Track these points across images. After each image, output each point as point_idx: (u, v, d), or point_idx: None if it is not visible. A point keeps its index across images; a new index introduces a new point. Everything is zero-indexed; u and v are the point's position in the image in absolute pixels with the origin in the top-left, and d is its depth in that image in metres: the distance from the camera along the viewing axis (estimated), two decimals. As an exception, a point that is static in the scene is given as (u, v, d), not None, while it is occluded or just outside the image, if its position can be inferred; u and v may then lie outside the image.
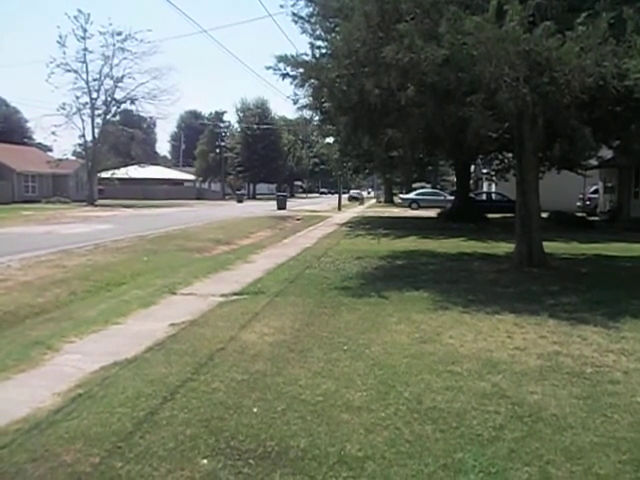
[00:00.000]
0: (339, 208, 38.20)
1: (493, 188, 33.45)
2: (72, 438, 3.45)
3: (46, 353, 5.27)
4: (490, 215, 25.35)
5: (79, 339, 5.78)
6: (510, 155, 21.40)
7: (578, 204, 29.41)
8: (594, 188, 28.61)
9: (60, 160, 44.68)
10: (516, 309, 6.97)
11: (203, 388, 4.27)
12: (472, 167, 30.73)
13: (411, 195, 39.90)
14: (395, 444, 3.40)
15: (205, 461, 3.20)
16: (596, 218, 24.78)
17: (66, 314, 7.24)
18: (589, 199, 29.04)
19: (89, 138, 44.57)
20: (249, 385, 4.34)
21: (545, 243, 10.98)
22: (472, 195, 29.49)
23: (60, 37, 41.78)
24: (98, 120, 44.63)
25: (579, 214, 24.99)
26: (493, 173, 26.87)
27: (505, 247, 13.21)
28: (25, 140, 64.95)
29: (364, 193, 67.86)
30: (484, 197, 32.21)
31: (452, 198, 30.36)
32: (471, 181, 31.53)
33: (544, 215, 15.05)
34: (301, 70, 10.20)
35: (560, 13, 7.87)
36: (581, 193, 29.32)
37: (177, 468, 3.12)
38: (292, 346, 5.40)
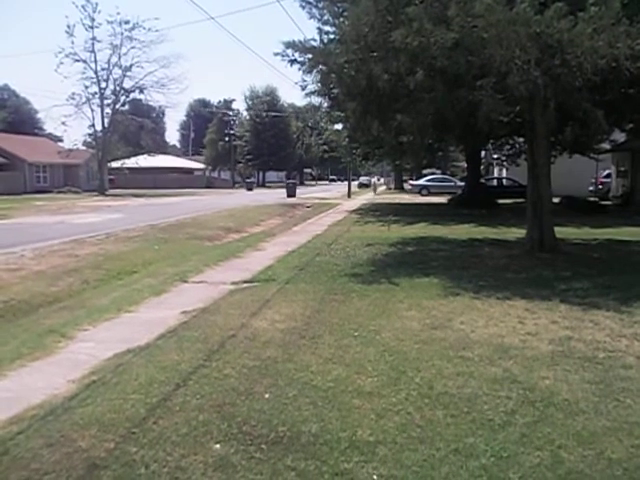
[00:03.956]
0: (349, 195, 38.10)
1: (504, 173, 33.21)
2: (87, 424, 3.50)
3: (60, 341, 5.34)
4: (501, 201, 25.16)
5: (92, 327, 5.84)
6: (521, 140, 21.14)
7: (590, 188, 29.07)
8: (606, 172, 28.26)
9: (71, 150, 44.86)
10: (527, 294, 6.94)
11: (215, 374, 4.31)
12: (483, 152, 30.44)
13: (421, 181, 39.67)
14: (406, 429, 3.42)
15: (218, 446, 3.23)
16: (609, 202, 24.50)
17: (79, 303, 7.32)
18: (601, 183, 28.70)
19: (99, 128, 44.74)
20: (260, 371, 4.37)
21: (557, 228, 10.90)
22: (483, 181, 29.25)
23: (68, 27, 41.73)
24: (107, 110, 44.74)
25: (591, 199, 24.72)
26: (504, 158, 26.62)
27: (516, 232, 13.12)
28: (36, 131, 65.34)
29: (374, 180, 67.36)
30: (495, 182, 31.96)
31: (462, 184, 30.16)
32: (482, 166, 31.24)
33: (556, 200, 14.92)
34: (309, 56, 10.12)
35: (572, -6, 7.73)
36: (593, 177, 28.98)
37: (190, 453, 3.16)
38: (303, 333, 5.42)
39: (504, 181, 31.23)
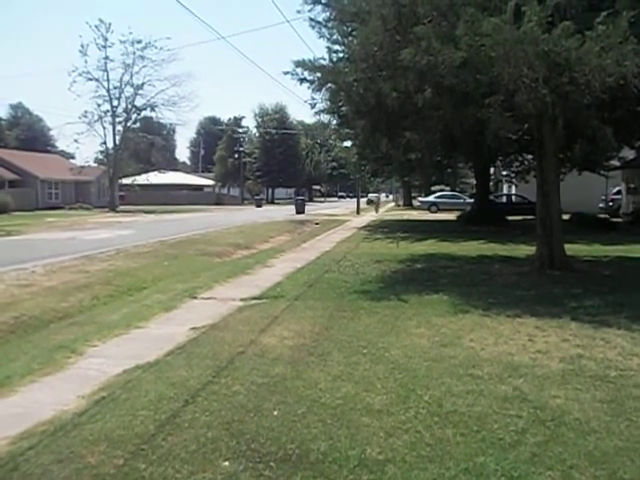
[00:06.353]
0: (357, 212, 38.14)
1: (513, 190, 33.12)
2: (96, 440, 3.50)
3: (70, 357, 5.37)
4: (510, 217, 25.09)
5: (102, 343, 5.87)
6: (530, 157, 21.14)
7: (600, 205, 28.93)
8: (617, 189, 28.12)
9: (82, 167, 45.46)
10: (537, 312, 6.89)
11: (224, 391, 4.31)
12: (492, 169, 30.43)
13: (430, 198, 39.64)
14: (416, 448, 3.39)
15: (226, 463, 3.23)
16: (619, 219, 24.35)
17: (89, 318, 7.36)
18: (612, 200, 28.54)
19: (110, 145, 45.36)
20: (269, 388, 4.37)
21: (567, 245, 10.84)
22: (492, 197, 29.21)
23: (82, 46, 42.62)
24: (119, 127, 45.38)
25: (601, 215, 24.58)
26: (513, 175, 26.58)
27: (526, 249, 13.06)
28: (48, 148, 66.26)
29: (382, 196, 67.13)
30: (504, 199, 31.91)
31: (471, 201, 30.13)
32: (491, 183, 31.20)
33: (565, 217, 14.85)
34: (318, 74, 10.23)
35: (579, 13, 7.79)
36: (603, 194, 28.84)
37: (199, 470, 3.15)
38: (312, 350, 5.41)
39: (513, 198, 31.18)
